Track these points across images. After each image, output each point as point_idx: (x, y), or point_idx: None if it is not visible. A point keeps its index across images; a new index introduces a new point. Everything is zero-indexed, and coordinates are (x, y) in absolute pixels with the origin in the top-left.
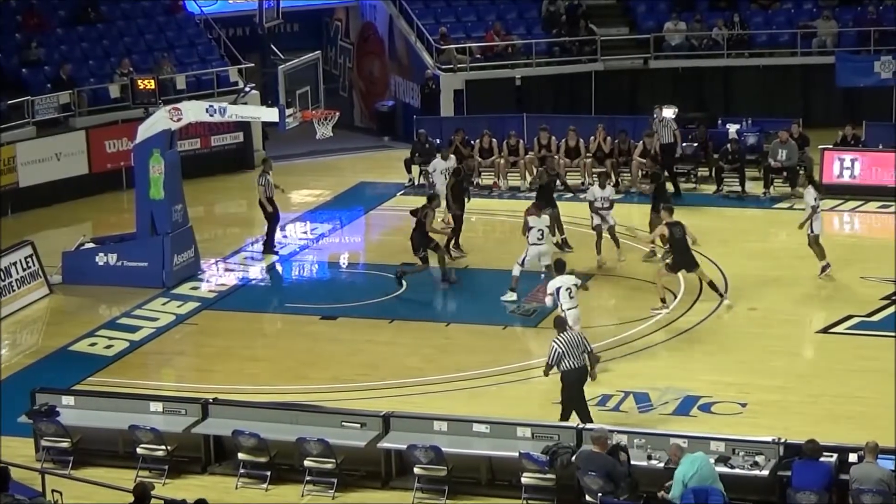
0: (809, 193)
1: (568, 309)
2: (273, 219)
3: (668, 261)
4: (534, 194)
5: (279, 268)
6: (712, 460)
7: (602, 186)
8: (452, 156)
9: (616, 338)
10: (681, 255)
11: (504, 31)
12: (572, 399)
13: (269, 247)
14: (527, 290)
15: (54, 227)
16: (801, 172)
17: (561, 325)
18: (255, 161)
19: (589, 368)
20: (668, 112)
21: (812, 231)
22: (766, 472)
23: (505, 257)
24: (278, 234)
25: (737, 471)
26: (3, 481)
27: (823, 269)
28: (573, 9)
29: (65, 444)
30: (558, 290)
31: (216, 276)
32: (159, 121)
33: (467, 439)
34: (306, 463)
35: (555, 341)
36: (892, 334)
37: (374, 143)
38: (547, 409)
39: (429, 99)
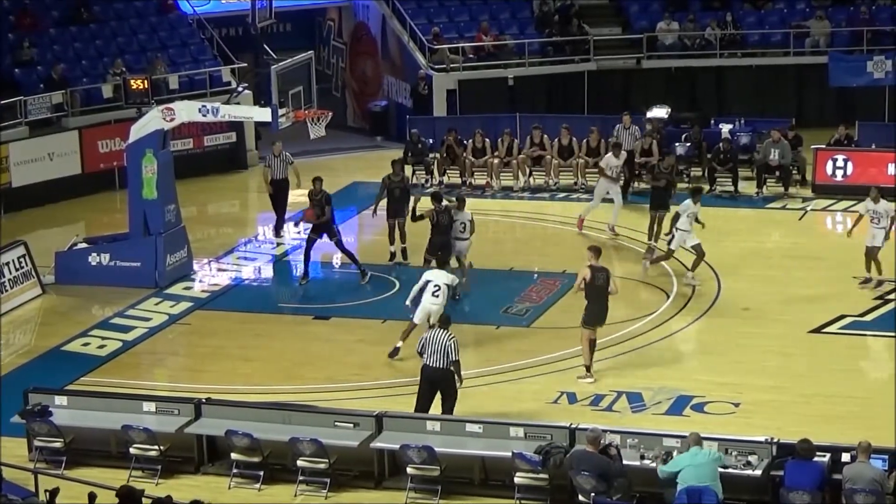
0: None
1: (430, 304)
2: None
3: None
4: (526, 194)
5: (272, 268)
6: (718, 464)
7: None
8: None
9: (609, 337)
10: (597, 304)
11: (495, 31)
12: (421, 394)
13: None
14: (520, 290)
15: (47, 227)
16: (794, 172)
17: (445, 322)
18: (247, 161)
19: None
20: (661, 112)
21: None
22: (758, 472)
23: (498, 257)
24: (270, 234)
25: (730, 470)
26: None
27: (867, 280)
28: (566, 8)
29: (58, 444)
30: (427, 283)
31: (209, 276)
32: (152, 121)
33: (460, 439)
34: (299, 463)
35: (426, 333)
36: (885, 334)
37: (366, 143)
38: (540, 409)
39: (421, 99)
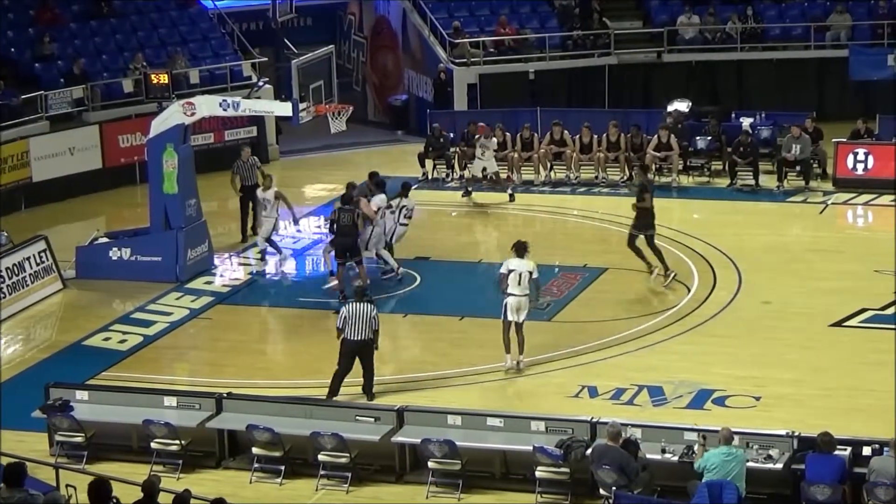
0: None
1: (509, 295)
2: None
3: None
4: (546, 188)
5: (292, 262)
6: (744, 465)
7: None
8: None
9: (630, 331)
10: None
11: (516, 25)
12: (340, 368)
13: None
14: (541, 284)
15: (68, 221)
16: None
17: (360, 293)
18: (269, 155)
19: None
20: (681, 106)
21: None
22: (779, 466)
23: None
24: (292, 229)
25: (750, 464)
26: (19, 476)
27: None
28: (586, 2)
29: (79, 439)
30: (510, 272)
31: (230, 271)
32: (173, 115)
33: (481, 433)
34: (320, 457)
35: (344, 307)
36: None
37: (387, 138)
38: (561, 403)
39: (442, 92)
